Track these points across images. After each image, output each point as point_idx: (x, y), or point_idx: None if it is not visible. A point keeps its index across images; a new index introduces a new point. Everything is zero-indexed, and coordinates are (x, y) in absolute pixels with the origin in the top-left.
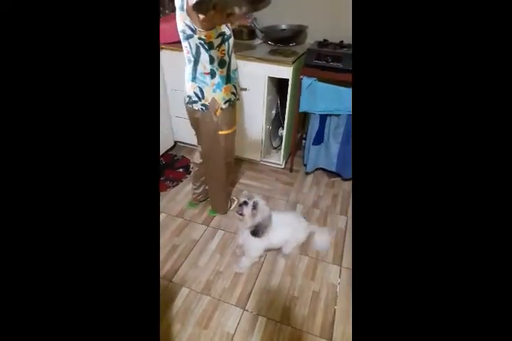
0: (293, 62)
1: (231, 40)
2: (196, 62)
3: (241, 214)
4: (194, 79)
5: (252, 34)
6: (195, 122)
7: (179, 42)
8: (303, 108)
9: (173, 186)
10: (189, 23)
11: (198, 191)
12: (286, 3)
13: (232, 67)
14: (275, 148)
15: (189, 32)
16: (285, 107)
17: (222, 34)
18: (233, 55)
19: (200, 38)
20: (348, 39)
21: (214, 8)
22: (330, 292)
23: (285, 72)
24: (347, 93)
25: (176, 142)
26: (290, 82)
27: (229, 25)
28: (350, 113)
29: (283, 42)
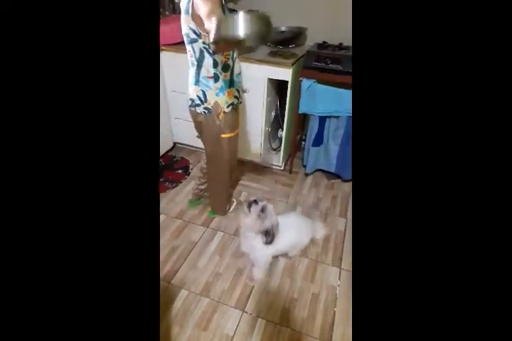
0: (292, 64)
1: None
2: (200, 66)
3: (249, 208)
4: (197, 82)
5: None
6: (199, 125)
7: (179, 43)
8: (302, 109)
9: (173, 187)
10: (194, 27)
11: (202, 187)
12: (286, 5)
13: (236, 71)
14: (274, 150)
15: (193, 36)
16: (284, 109)
17: None
18: (237, 60)
19: (204, 43)
20: (347, 41)
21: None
22: (329, 294)
23: (285, 73)
24: (346, 95)
25: (175, 143)
26: (290, 84)
27: None
28: (350, 115)
29: (282, 44)
